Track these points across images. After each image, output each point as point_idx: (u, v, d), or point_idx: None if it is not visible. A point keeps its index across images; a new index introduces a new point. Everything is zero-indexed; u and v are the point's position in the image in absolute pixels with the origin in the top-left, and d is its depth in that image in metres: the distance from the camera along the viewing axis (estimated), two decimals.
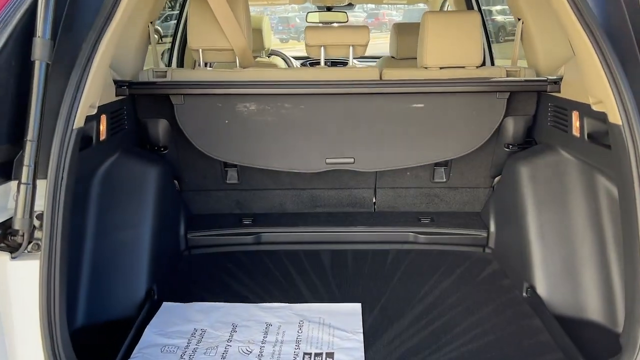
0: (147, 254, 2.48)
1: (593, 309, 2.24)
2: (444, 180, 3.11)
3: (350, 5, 5.28)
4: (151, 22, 2.86)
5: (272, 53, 4.64)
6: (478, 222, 3.05)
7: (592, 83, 1.86)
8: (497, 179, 3.11)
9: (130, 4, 1.79)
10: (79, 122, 1.67)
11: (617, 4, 1.80)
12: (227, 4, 2.62)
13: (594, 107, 1.91)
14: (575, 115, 2.37)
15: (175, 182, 3.07)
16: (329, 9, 5.31)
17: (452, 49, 2.69)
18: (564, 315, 2.27)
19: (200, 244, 3.00)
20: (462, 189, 3.15)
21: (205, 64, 2.90)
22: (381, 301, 2.48)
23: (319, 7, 5.35)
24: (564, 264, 2.38)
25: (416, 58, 4.19)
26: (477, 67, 2.74)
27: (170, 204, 2.84)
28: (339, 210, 3.19)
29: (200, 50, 2.76)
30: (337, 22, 5.29)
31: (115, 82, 2.50)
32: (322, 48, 2.82)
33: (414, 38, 4.15)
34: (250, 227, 3.01)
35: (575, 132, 2.37)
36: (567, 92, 2.48)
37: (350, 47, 2.81)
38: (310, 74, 2.72)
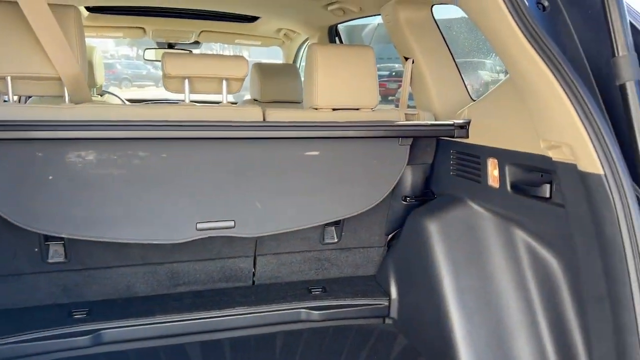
0: None
1: None
2: (335, 240, 2.63)
3: (196, 43, 4.65)
4: None
5: (106, 92, 3.80)
6: (376, 288, 2.61)
7: (550, 123, 1.52)
8: (390, 236, 2.73)
9: None
10: None
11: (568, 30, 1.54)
12: (52, 16, 1.85)
13: (551, 153, 1.59)
14: (492, 164, 2.08)
15: None
16: (170, 46, 4.63)
17: (345, 89, 2.27)
18: None
19: (7, 356, 2.06)
20: (355, 250, 2.70)
21: (19, 99, 2.04)
22: None
23: (159, 44, 4.63)
24: (491, 336, 2.03)
25: (282, 102, 3.71)
26: (372, 109, 2.36)
27: None
28: (209, 288, 2.50)
29: (9, 78, 1.92)
30: None
31: None
32: (186, 81, 2.17)
33: (279, 80, 3.72)
34: (85, 323, 2.17)
35: (493, 182, 2.07)
36: (477, 137, 2.20)
37: (224, 82, 2.21)
38: (173, 112, 2.05)
